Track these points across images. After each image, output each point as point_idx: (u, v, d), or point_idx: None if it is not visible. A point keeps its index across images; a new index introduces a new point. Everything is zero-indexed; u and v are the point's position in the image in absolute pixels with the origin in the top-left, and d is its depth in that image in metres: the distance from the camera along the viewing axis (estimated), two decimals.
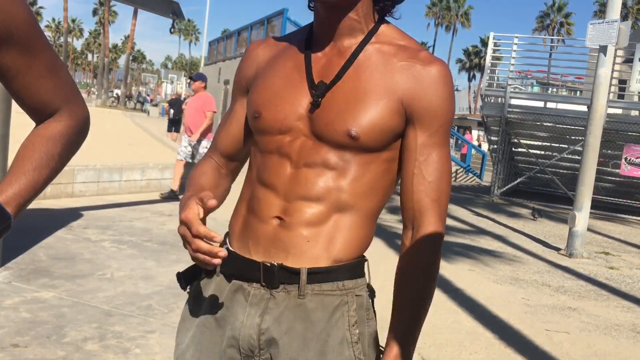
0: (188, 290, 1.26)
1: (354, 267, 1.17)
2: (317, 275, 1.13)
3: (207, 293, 1.22)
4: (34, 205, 6.50)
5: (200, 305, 1.23)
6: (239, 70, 1.31)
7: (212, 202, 1.02)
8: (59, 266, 4.44)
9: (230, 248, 1.22)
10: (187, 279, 1.24)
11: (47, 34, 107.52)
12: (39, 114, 1.00)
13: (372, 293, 1.21)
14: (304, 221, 1.14)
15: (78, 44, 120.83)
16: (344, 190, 1.14)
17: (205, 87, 8.37)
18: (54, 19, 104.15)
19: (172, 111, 17.42)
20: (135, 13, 45.76)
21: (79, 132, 1.05)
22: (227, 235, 1.27)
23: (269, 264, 1.14)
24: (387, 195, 1.22)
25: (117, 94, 50.66)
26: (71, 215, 6.27)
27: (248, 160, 1.30)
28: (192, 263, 1.17)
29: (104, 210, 6.83)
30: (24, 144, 0.99)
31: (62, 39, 78.40)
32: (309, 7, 1.23)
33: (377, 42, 1.17)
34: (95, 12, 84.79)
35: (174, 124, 17.29)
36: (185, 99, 19.17)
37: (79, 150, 1.08)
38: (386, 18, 1.23)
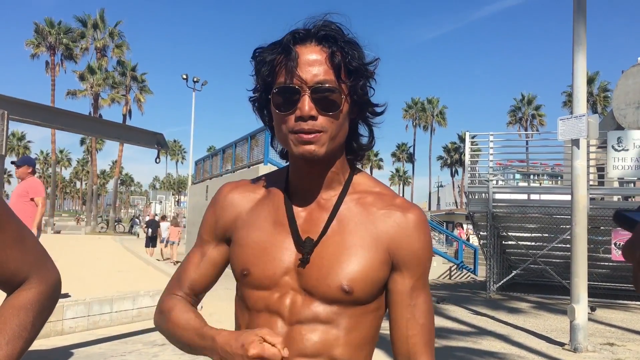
0: None
1: None
2: None
3: None
4: None
5: None
6: (214, 213, 1.30)
7: (286, 352, 1.02)
8: None
9: None
10: None
11: (37, 166, 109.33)
12: (9, 285, 1.00)
13: None
14: None
15: (66, 172, 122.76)
16: (339, 344, 1.15)
17: (33, 172, 6.94)
18: (42, 152, 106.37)
19: (149, 230, 20.99)
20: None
21: (50, 298, 1.04)
22: None
23: None
24: (375, 342, 1.24)
25: (105, 219, 50.86)
26: (61, 355, 6.08)
27: (235, 318, 1.29)
28: None
29: (95, 346, 6.63)
30: None
31: (50, 170, 79.55)
32: (282, 156, 1.29)
33: (354, 192, 1.23)
34: (82, 142, 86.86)
35: (151, 241, 20.84)
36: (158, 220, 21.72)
37: (55, 307, 1.07)
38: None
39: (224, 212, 1.29)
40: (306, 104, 1.10)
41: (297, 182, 1.23)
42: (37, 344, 6.44)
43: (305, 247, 1.16)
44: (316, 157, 1.13)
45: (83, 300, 7.48)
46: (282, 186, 1.26)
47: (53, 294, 1.06)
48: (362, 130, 1.26)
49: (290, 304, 1.15)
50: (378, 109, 1.23)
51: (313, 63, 1.11)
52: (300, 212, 1.21)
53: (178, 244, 20.86)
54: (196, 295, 1.31)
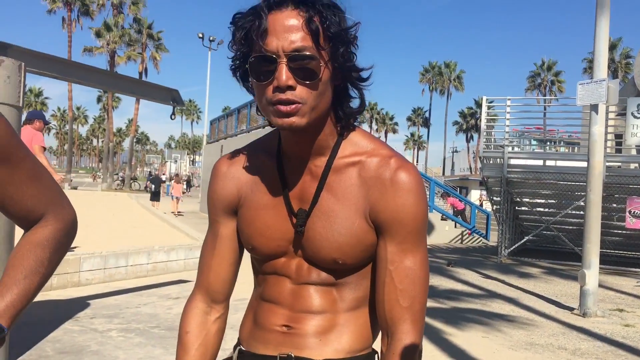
0: None
1: (367, 358, 1.21)
2: None
3: None
4: (40, 297, 6.48)
5: None
6: (215, 192, 1.28)
7: None
8: None
9: (243, 347, 1.26)
10: None
11: (53, 122, 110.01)
12: (26, 221, 1.03)
13: None
14: (312, 328, 1.19)
15: (83, 130, 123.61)
16: (345, 300, 1.20)
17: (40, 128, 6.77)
18: (59, 108, 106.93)
19: (152, 186, 23.66)
20: (138, 98, 46.97)
21: (66, 235, 1.06)
22: (239, 339, 1.32)
23: (285, 355, 1.17)
24: None
25: (121, 177, 51.31)
26: (78, 305, 6.25)
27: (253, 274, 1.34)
28: None
29: (111, 297, 6.80)
30: (14, 253, 1.01)
31: (67, 127, 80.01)
32: (271, 125, 1.21)
33: (344, 156, 1.18)
34: (99, 99, 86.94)
35: (155, 196, 23.04)
36: (164, 179, 23.85)
37: (70, 248, 1.10)
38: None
39: (225, 186, 1.27)
40: (283, 74, 1.04)
41: (287, 149, 1.21)
42: (55, 295, 6.61)
43: (299, 220, 1.17)
44: (298, 129, 1.08)
45: (100, 254, 7.63)
46: (274, 153, 1.24)
47: (69, 231, 1.08)
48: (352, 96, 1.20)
49: (296, 267, 1.20)
50: (364, 74, 1.15)
51: (289, 29, 1.04)
52: (294, 181, 1.20)
53: (181, 199, 23.43)
54: (222, 296, 1.31)
